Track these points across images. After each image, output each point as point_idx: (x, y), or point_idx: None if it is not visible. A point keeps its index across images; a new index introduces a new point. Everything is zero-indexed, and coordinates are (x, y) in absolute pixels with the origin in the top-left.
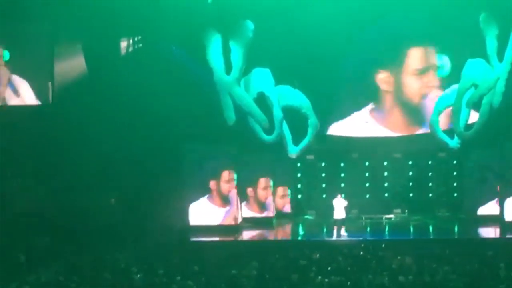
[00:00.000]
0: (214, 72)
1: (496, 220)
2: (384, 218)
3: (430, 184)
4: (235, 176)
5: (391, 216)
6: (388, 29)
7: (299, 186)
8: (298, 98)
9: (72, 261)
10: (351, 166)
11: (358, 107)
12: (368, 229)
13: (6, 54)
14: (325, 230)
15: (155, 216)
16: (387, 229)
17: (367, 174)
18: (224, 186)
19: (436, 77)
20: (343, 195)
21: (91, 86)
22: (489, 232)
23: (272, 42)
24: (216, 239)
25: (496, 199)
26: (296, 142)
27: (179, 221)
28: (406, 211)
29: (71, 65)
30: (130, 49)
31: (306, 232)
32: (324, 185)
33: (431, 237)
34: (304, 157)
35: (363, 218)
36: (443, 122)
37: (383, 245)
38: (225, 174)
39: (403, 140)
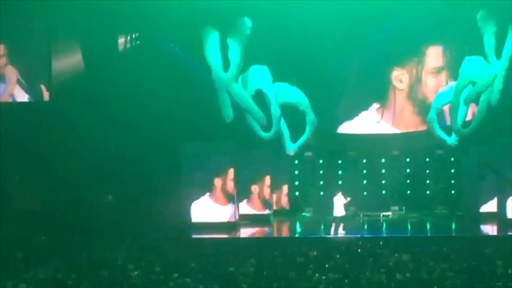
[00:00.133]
0: (212, 70)
1: (493, 217)
2: (381, 215)
3: (427, 182)
4: (234, 173)
5: (389, 213)
6: (394, 27)
7: (296, 183)
8: (296, 95)
9: (69, 259)
10: (348, 163)
11: (366, 107)
12: (366, 226)
13: None
14: (322, 227)
15: (152, 214)
16: (384, 226)
17: (364, 171)
18: (225, 184)
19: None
20: (343, 192)
21: (89, 83)
22: (487, 230)
23: (270, 39)
24: (214, 236)
25: (493, 197)
26: (294, 139)
27: (177, 218)
28: (404, 208)
29: (69, 62)
30: (128, 46)
31: (304, 229)
32: (321, 182)
33: (429, 234)
34: (302, 154)
35: (361, 216)
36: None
37: (381, 243)
38: (225, 172)
39: (401, 137)
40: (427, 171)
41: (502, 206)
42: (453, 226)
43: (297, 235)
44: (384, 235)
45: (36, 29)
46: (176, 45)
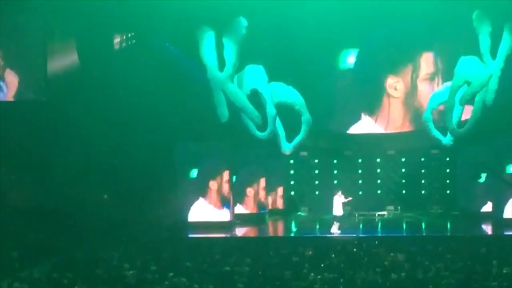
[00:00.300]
0: (207, 69)
1: (488, 217)
2: (377, 215)
3: (423, 181)
4: (229, 173)
5: (384, 213)
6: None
7: (292, 182)
8: (291, 95)
9: (65, 258)
10: (344, 163)
11: (361, 107)
12: (361, 225)
13: None
14: (318, 226)
15: (148, 213)
16: (379, 226)
17: (360, 171)
18: (220, 184)
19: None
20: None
21: (84, 82)
22: (482, 229)
23: (266, 39)
24: (209, 235)
25: (489, 196)
26: (289, 139)
27: (172, 217)
28: (399, 208)
29: (64, 61)
30: (124, 45)
31: (299, 228)
32: (317, 182)
33: (424, 234)
34: (297, 153)
35: (356, 215)
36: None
37: (376, 242)
38: (220, 172)
39: (396, 137)
40: (423, 171)
41: (497, 205)
42: (448, 225)
43: (292, 235)
44: (380, 234)
45: (32, 28)
46: (172, 44)
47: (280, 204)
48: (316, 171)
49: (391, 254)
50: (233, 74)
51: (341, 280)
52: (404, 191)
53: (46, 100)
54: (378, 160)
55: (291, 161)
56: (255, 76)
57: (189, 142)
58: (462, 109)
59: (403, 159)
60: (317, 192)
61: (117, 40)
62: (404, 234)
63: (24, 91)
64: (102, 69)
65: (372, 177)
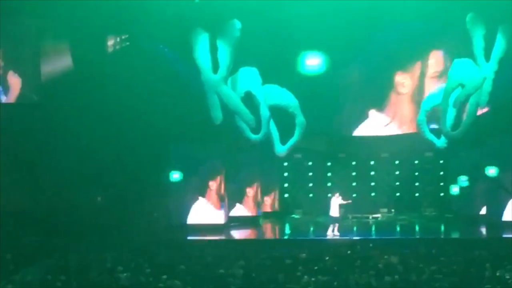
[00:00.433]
0: (201, 71)
1: (482, 219)
2: (370, 217)
3: (416, 184)
4: (223, 175)
5: (378, 215)
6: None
7: (286, 185)
8: (285, 97)
9: (58, 260)
10: (338, 166)
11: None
12: (355, 228)
13: None
14: (312, 229)
15: (142, 215)
16: (373, 228)
17: (354, 173)
18: (214, 186)
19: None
20: (338, 193)
21: (78, 84)
22: (476, 232)
23: (260, 41)
24: (203, 238)
25: (483, 199)
26: (283, 141)
27: (166, 220)
28: (393, 210)
29: (58, 64)
30: (118, 48)
31: (293, 231)
32: (311, 184)
33: (418, 236)
34: (291, 156)
35: (350, 217)
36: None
37: (370, 245)
38: (214, 174)
39: (390, 140)
40: (416, 173)
41: (490, 208)
42: (442, 228)
43: (286, 237)
44: (374, 237)
45: (25, 30)
46: (166, 46)
47: (274, 206)
48: (310, 174)
49: (385, 256)
50: (227, 76)
51: (335, 283)
52: (398, 194)
53: (38, 103)
54: (372, 162)
55: (285, 164)
56: (249, 78)
57: (183, 145)
58: (456, 112)
59: (397, 162)
60: (311, 195)
61: (111, 42)
62: (398, 237)
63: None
64: (95, 72)
65: (366, 179)
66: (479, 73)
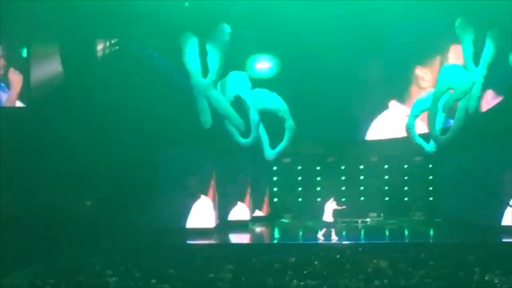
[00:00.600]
0: (191, 75)
1: (471, 224)
2: (359, 221)
3: (406, 188)
4: (212, 179)
5: (367, 219)
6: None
7: (275, 189)
8: (275, 102)
9: (47, 264)
10: (327, 170)
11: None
12: (344, 232)
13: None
14: (301, 233)
15: (130, 219)
16: (363, 232)
17: (343, 178)
18: (203, 190)
19: None
20: (333, 199)
21: (66, 88)
22: (465, 236)
23: (249, 45)
24: (192, 242)
25: (471, 203)
26: (273, 145)
27: (155, 224)
28: (382, 214)
29: (46, 67)
30: (107, 52)
31: (282, 235)
32: (300, 189)
33: (407, 240)
34: (281, 160)
35: (339, 222)
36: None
37: (360, 249)
38: (203, 178)
39: (379, 144)
40: (406, 178)
41: (479, 212)
42: (431, 232)
43: (275, 241)
44: (363, 241)
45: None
46: (155, 50)
47: (263, 210)
48: (299, 178)
49: (374, 261)
50: (217, 80)
51: (324, 287)
52: (387, 198)
53: (27, 106)
54: (361, 166)
55: (274, 168)
56: (239, 82)
57: (172, 149)
58: (445, 116)
59: (386, 166)
60: (300, 199)
61: (100, 46)
62: (387, 241)
63: (7, 97)
64: (84, 75)
65: (355, 183)
66: (468, 77)
